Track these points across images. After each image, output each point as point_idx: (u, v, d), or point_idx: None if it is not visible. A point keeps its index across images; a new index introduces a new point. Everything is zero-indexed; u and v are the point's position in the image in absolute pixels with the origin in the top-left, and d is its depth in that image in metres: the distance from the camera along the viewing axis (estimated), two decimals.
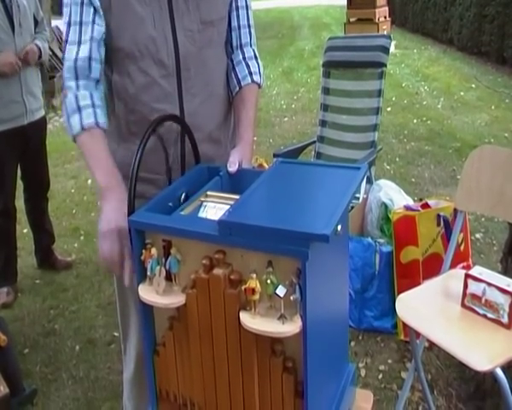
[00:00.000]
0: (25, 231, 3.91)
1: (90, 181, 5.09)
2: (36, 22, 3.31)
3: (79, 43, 1.42)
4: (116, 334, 2.89)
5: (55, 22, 8.17)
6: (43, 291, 3.45)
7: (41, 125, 3.36)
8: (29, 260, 3.70)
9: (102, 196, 1.33)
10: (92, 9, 1.42)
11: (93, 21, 1.42)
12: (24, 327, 3.10)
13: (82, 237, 4.14)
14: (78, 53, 1.42)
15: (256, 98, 1.62)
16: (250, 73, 1.61)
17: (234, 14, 1.59)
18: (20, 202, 3.51)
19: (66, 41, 1.44)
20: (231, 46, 1.63)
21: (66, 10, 1.44)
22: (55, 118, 7.12)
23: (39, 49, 3.21)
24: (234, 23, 1.60)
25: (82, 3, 1.42)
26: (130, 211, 1.16)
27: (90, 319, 3.16)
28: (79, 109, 1.40)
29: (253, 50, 1.66)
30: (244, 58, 1.62)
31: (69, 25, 1.44)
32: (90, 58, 1.42)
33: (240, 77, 1.60)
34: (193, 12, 1.47)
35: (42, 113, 3.34)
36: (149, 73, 1.45)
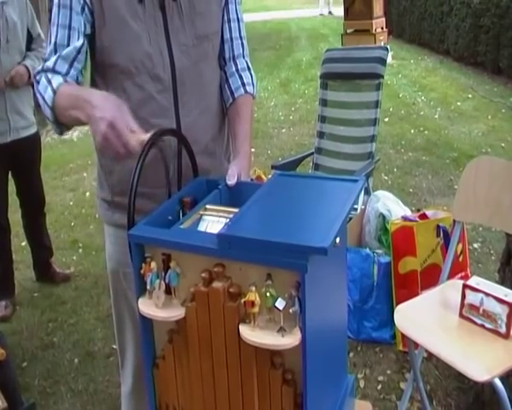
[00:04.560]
0: (23, 244, 3.91)
1: (88, 194, 5.09)
2: (31, 38, 3.21)
3: (66, 46, 1.43)
4: (115, 347, 2.87)
5: None
6: (42, 304, 3.44)
7: (29, 143, 3.26)
8: (27, 274, 3.70)
9: (89, 108, 1.28)
10: (82, 20, 1.43)
11: (84, 33, 1.44)
12: (22, 340, 3.10)
13: (80, 250, 4.14)
14: (61, 53, 1.43)
15: (251, 110, 1.64)
16: (243, 85, 1.62)
17: (226, 26, 1.61)
18: (17, 215, 3.51)
19: (55, 42, 1.44)
20: (224, 58, 1.64)
21: (54, 11, 1.45)
22: (52, 131, 7.13)
23: (28, 70, 3.08)
24: (226, 35, 1.62)
25: (71, 7, 1.42)
26: (130, 225, 1.16)
27: (89, 331, 3.15)
28: (50, 82, 1.41)
29: (246, 62, 1.68)
30: (237, 70, 1.64)
31: (57, 26, 1.44)
32: (71, 64, 1.44)
33: (233, 88, 1.62)
34: (188, 27, 1.48)
35: (30, 131, 3.25)
36: (146, 89, 1.46)
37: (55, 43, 1.44)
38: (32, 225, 3.54)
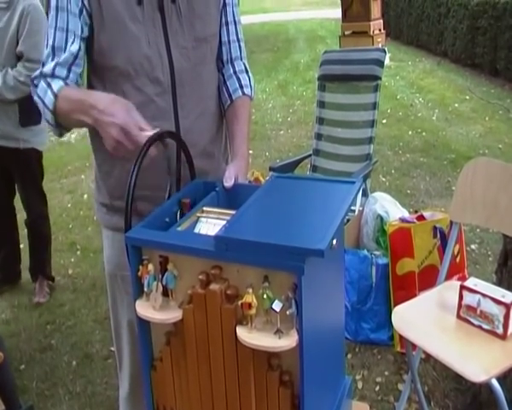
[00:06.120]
0: (21, 246, 3.91)
1: (86, 196, 5.10)
2: (17, 56, 3.00)
3: (64, 49, 1.43)
4: (113, 349, 2.86)
5: None
6: (40, 307, 3.44)
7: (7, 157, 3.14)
8: (25, 276, 3.69)
9: (96, 113, 1.30)
10: (80, 23, 1.42)
11: (81, 36, 1.43)
12: (20, 343, 3.09)
13: (78, 252, 4.14)
14: (59, 58, 1.43)
15: (249, 111, 1.64)
16: (241, 87, 1.62)
17: (224, 29, 1.61)
18: (18, 215, 3.52)
19: (52, 46, 1.44)
20: (222, 61, 1.65)
21: (51, 14, 1.44)
22: (50, 133, 7.11)
23: None
24: (224, 38, 1.62)
25: (68, 10, 1.41)
26: (127, 228, 1.16)
27: (87, 334, 3.15)
28: (49, 85, 1.41)
29: (244, 64, 1.68)
30: (235, 72, 1.64)
31: (55, 29, 1.43)
32: (69, 69, 1.44)
33: (231, 90, 1.62)
34: (187, 29, 1.48)
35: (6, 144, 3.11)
36: (145, 91, 1.46)
37: (53, 46, 1.44)
38: (31, 239, 3.50)
